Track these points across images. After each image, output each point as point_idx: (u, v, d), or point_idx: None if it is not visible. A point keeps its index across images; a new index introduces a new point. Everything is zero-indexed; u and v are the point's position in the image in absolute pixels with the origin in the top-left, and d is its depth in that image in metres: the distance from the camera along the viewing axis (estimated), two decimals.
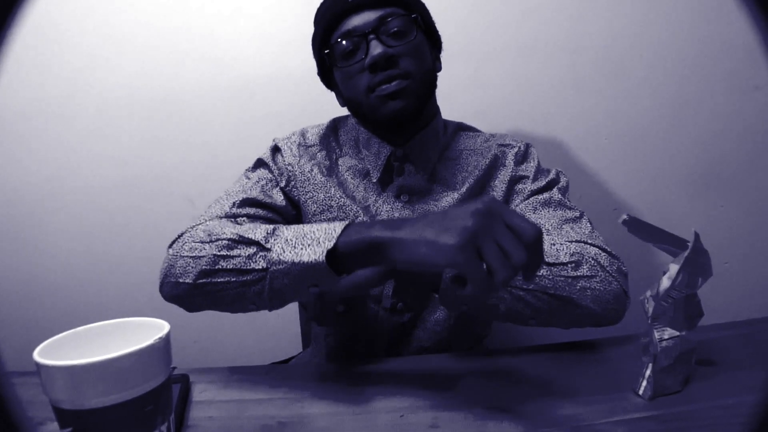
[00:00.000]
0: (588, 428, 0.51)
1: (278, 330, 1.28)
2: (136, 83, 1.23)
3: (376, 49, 0.72)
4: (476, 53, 1.18)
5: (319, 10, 0.82)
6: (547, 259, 0.64)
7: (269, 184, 0.81)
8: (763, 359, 0.60)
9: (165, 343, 0.43)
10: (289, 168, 0.82)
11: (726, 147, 1.21)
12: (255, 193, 0.78)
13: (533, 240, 0.47)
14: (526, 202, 0.79)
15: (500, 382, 0.62)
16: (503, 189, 0.82)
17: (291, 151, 0.84)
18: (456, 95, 1.19)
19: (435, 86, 0.82)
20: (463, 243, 0.46)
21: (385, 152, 0.80)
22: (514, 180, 0.83)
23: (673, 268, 0.53)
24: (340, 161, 0.84)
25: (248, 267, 0.59)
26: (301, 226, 0.60)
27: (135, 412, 0.40)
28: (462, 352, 0.70)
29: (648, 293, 0.55)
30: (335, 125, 0.89)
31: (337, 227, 0.57)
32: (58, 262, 1.31)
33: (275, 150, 0.85)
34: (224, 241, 0.62)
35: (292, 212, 0.83)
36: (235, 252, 0.60)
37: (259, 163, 0.85)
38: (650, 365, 0.55)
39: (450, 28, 1.16)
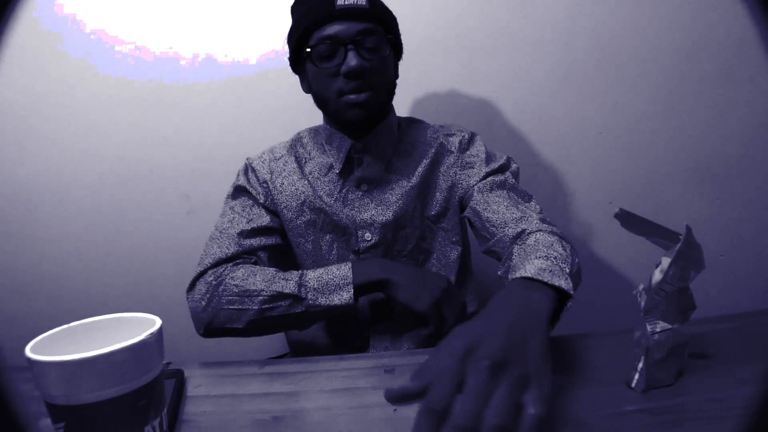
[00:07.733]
0: (581, 421, 0.51)
1: None
2: (131, 80, 1.22)
3: (352, 60, 0.78)
4: (469, 48, 1.18)
5: (302, 2, 0.85)
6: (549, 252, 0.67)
7: (253, 209, 0.87)
8: (756, 352, 0.60)
9: (157, 338, 0.43)
10: (265, 185, 0.90)
11: (720, 140, 1.22)
12: (243, 225, 0.85)
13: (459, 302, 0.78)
14: (483, 182, 0.86)
15: None
16: (450, 174, 0.89)
17: (263, 168, 0.90)
18: (449, 90, 1.19)
19: (393, 93, 0.90)
20: (435, 302, 0.74)
21: (346, 145, 0.86)
22: (463, 165, 0.89)
23: (666, 262, 0.53)
24: (307, 164, 0.90)
25: (290, 312, 0.76)
26: (318, 273, 0.76)
27: (128, 406, 0.40)
28: None
29: (641, 287, 0.56)
30: (299, 135, 0.96)
31: (348, 273, 0.75)
32: (51, 258, 1.30)
33: (248, 170, 0.91)
34: (264, 297, 0.75)
35: (280, 220, 0.90)
36: (276, 303, 0.75)
37: (237, 190, 0.90)
38: (643, 358, 0.55)
39: (443, 23, 1.17)
